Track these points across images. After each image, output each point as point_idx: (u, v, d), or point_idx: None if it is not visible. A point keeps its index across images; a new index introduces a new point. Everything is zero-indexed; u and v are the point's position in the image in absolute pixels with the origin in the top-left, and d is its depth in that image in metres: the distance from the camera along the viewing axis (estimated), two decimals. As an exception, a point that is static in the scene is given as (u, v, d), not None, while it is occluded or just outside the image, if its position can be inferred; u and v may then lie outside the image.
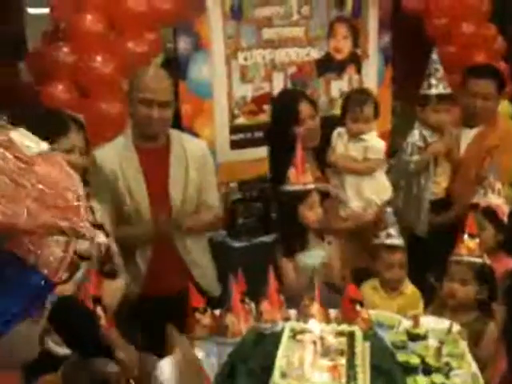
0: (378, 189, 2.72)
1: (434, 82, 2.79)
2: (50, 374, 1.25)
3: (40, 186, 0.69)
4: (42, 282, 0.75)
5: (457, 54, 3.78)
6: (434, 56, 2.83)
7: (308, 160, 2.46)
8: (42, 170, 0.71)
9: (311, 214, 2.31)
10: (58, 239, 0.74)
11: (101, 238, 1.81)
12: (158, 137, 2.33)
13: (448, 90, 2.81)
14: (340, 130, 2.75)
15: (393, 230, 2.36)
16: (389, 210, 2.43)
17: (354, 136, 2.68)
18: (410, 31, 3.92)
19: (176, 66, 3.25)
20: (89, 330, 1.30)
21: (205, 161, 2.46)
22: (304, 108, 2.62)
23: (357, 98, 2.70)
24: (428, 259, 2.46)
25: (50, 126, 1.87)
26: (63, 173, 0.77)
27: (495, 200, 2.49)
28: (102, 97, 2.76)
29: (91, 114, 2.70)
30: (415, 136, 2.86)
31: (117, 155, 2.28)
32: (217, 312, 1.95)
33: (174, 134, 2.43)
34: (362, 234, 2.70)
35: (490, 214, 2.45)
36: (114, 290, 1.90)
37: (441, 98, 2.80)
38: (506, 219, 2.47)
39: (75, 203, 0.73)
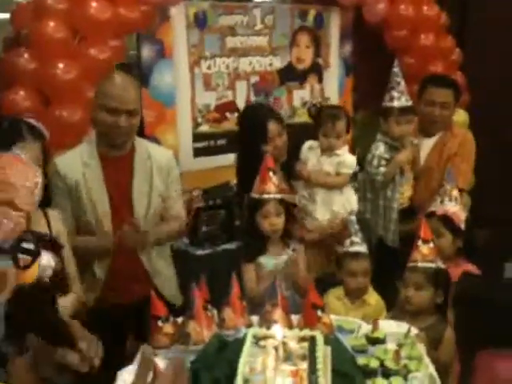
0: (345, 202, 2.77)
1: (396, 94, 2.85)
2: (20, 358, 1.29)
3: None
4: None
5: (416, 65, 3.88)
6: (396, 69, 2.90)
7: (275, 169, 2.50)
8: None
9: (266, 223, 2.35)
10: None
11: (44, 260, 1.79)
12: (123, 145, 2.31)
13: (410, 103, 2.88)
14: (311, 143, 2.79)
15: (356, 238, 2.40)
16: (352, 218, 2.47)
17: (327, 151, 2.73)
18: (371, 42, 4.00)
19: (139, 74, 3.24)
20: (50, 319, 1.33)
21: (170, 170, 2.43)
22: (272, 127, 2.67)
23: (329, 113, 2.75)
24: (398, 267, 2.51)
25: (4, 134, 1.85)
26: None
27: (452, 207, 2.56)
28: (64, 104, 2.73)
29: (53, 121, 2.68)
30: (380, 148, 2.91)
31: (79, 163, 2.25)
32: (179, 320, 1.95)
33: (139, 142, 2.40)
34: (327, 243, 2.75)
35: (447, 221, 2.51)
36: (62, 308, 1.86)
37: (403, 110, 2.86)
38: (462, 226, 2.54)
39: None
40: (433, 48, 3.94)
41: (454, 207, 2.57)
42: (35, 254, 1.38)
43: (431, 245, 2.22)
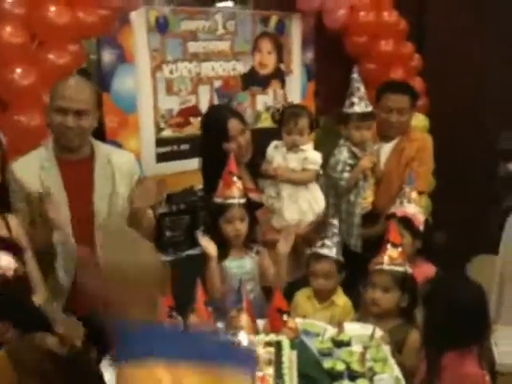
0: (312, 200, 2.79)
1: (355, 100, 2.89)
2: None
3: None
4: None
5: (376, 71, 3.94)
6: (355, 75, 2.93)
7: (241, 173, 2.50)
8: None
9: (229, 228, 2.35)
10: None
11: (4, 261, 1.78)
12: (77, 148, 2.27)
13: (369, 108, 2.92)
14: (276, 142, 2.81)
15: (329, 241, 2.42)
16: (335, 221, 2.50)
17: (292, 148, 2.74)
18: (332, 48, 4.04)
19: (100, 78, 3.19)
20: (25, 307, 1.43)
21: (132, 172, 2.41)
22: (233, 124, 2.67)
23: (291, 112, 2.79)
24: (360, 271, 2.53)
25: None
26: None
27: (411, 209, 2.60)
28: (23, 109, 2.67)
29: (11, 127, 2.62)
30: (344, 153, 2.94)
31: (37, 167, 2.20)
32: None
33: (99, 145, 2.37)
34: (297, 246, 2.76)
35: (407, 222, 2.55)
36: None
37: (362, 115, 2.90)
38: (421, 227, 2.58)
39: None
40: (393, 54, 4.00)
41: (414, 209, 2.62)
42: None
43: (399, 249, 2.26)
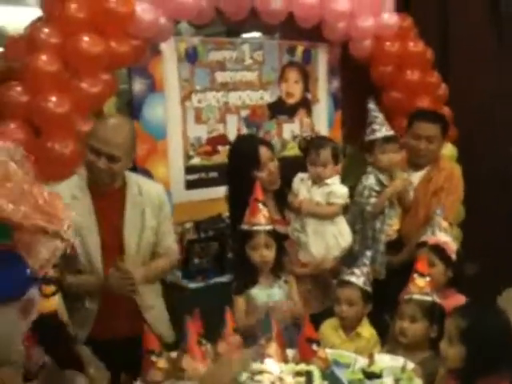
0: (338, 234, 2.77)
1: (376, 127, 2.91)
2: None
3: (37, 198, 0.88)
4: (28, 275, 0.88)
5: (402, 100, 3.94)
6: (371, 105, 2.96)
7: (268, 203, 2.50)
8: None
9: (256, 254, 2.34)
10: (47, 244, 0.86)
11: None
12: (107, 185, 2.29)
13: (391, 132, 2.93)
14: (302, 175, 2.81)
15: (358, 270, 2.40)
16: (368, 253, 2.49)
17: (317, 181, 2.74)
18: (358, 77, 4.07)
19: (130, 107, 3.26)
20: (63, 344, 1.42)
21: (162, 205, 2.42)
22: (263, 152, 2.68)
23: (314, 143, 2.81)
24: (384, 299, 2.49)
25: None
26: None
27: (443, 237, 2.57)
28: (55, 136, 2.72)
29: (43, 154, 2.67)
30: (371, 179, 2.93)
31: (68, 195, 2.20)
32: (173, 354, 1.91)
33: (130, 177, 2.39)
34: (324, 277, 2.74)
35: (439, 250, 2.51)
36: None
37: (386, 139, 2.90)
38: (454, 256, 2.54)
39: (60, 214, 0.89)
40: (419, 83, 4.00)
41: (445, 237, 2.58)
42: (55, 284, 1.46)
43: (427, 278, 2.22)
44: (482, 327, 1.82)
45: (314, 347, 2.00)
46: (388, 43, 3.92)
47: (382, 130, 2.90)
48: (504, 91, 4.20)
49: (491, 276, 3.65)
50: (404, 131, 3.19)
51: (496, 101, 4.23)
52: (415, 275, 2.24)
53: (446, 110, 4.04)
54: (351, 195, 2.91)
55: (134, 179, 2.40)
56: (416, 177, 3.13)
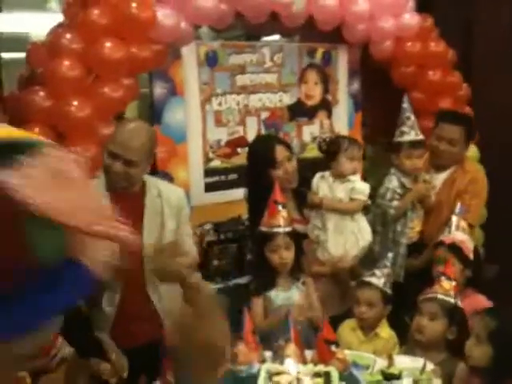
0: (358, 232, 2.77)
1: (405, 129, 2.89)
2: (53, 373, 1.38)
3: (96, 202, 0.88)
4: (89, 279, 0.84)
5: (423, 100, 3.91)
6: (405, 104, 2.94)
7: (287, 202, 2.52)
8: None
9: (275, 256, 2.35)
10: (104, 246, 0.88)
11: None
12: (125, 188, 2.30)
13: (420, 137, 2.91)
14: (322, 173, 2.83)
15: (379, 272, 2.41)
16: (389, 254, 2.51)
17: (342, 177, 2.75)
18: (379, 78, 4.05)
19: (151, 111, 3.30)
20: (84, 333, 1.51)
21: (181, 208, 2.43)
22: (280, 151, 2.69)
23: (349, 139, 2.85)
24: (404, 301, 2.49)
25: None
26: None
27: (459, 236, 2.55)
28: (78, 140, 2.77)
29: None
30: (394, 182, 2.93)
31: None
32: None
33: (150, 179, 2.41)
34: (343, 278, 2.74)
35: (456, 249, 2.50)
36: None
37: (413, 144, 2.89)
38: (471, 255, 2.52)
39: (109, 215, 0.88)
40: (440, 84, 3.98)
41: (462, 236, 2.56)
42: None
43: (453, 283, 2.22)
44: (510, 329, 1.82)
45: (333, 348, 2.00)
46: (409, 44, 3.90)
47: (411, 133, 2.89)
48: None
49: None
50: (426, 132, 3.16)
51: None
52: (442, 277, 2.24)
53: (467, 110, 4.00)
54: (372, 196, 2.91)
55: (154, 183, 2.42)
56: (439, 179, 3.11)
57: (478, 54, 4.35)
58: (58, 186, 0.81)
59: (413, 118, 2.91)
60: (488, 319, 1.86)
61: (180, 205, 2.44)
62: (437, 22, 4.00)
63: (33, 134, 0.88)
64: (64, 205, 0.78)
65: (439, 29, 4.01)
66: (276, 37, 4.10)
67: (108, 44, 2.85)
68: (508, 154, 4.11)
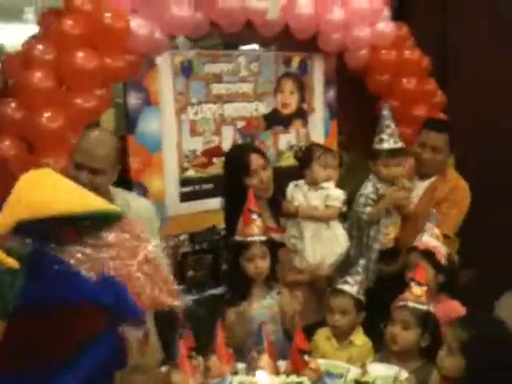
0: (334, 240, 2.79)
1: (385, 137, 2.90)
2: None
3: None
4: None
5: (399, 108, 3.94)
6: (385, 112, 2.95)
7: (263, 211, 2.52)
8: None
9: (251, 266, 2.34)
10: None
11: None
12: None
13: (399, 145, 2.91)
14: (296, 182, 2.83)
15: (351, 279, 2.40)
16: (362, 261, 2.50)
17: (316, 184, 2.76)
18: (354, 86, 4.08)
19: (125, 121, 3.28)
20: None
21: (150, 221, 2.41)
22: (255, 159, 2.70)
23: (322, 147, 2.87)
24: (378, 308, 2.49)
25: None
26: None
27: (432, 242, 2.56)
28: (50, 151, 2.74)
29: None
30: (369, 188, 2.94)
31: None
32: (163, 369, 1.91)
33: (118, 192, 2.39)
34: (319, 287, 2.74)
35: (429, 255, 2.51)
36: None
37: (391, 152, 2.90)
38: (443, 261, 2.54)
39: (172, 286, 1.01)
40: (416, 91, 4.01)
41: (435, 242, 2.57)
42: None
43: (425, 288, 2.22)
44: (482, 340, 1.81)
45: (306, 358, 2.00)
46: (384, 52, 3.93)
47: (389, 141, 2.90)
48: (503, 96, 4.20)
49: (489, 282, 3.63)
50: (403, 139, 3.17)
51: (496, 107, 4.23)
52: (413, 283, 2.24)
53: (442, 117, 4.04)
54: (349, 202, 2.92)
55: (122, 195, 2.40)
56: (421, 186, 3.11)
57: (453, 61, 4.40)
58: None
59: (393, 125, 2.92)
60: (460, 331, 1.86)
61: (149, 217, 2.42)
62: (413, 31, 4.04)
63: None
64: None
65: (415, 37, 4.05)
66: (255, 46, 4.11)
67: (81, 54, 2.82)
68: (483, 161, 4.15)
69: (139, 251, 0.88)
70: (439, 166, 3.10)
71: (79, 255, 0.89)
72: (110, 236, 0.85)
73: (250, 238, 2.35)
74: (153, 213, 2.48)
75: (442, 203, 3.01)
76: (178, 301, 0.86)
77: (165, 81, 3.39)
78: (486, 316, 2.10)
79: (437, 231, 2.60)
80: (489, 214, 4.02)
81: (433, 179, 3.10)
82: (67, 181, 1.27)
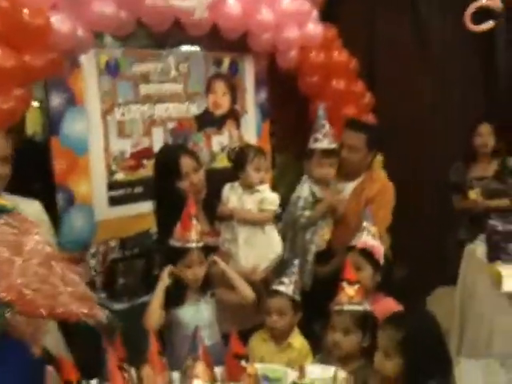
0: (269, 245, 2.75)
1: (319, 136, 2.90)
2: None
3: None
4: None
5: (329, 109, 3.95)
6: (321, 112, 2.95)
7: (197, 214, 2.44)
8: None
9: (188, 272, 2.28)
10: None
11: None
12: None
13: (332, 145, 2.91)
14: (232, 184, 2.79)
15: (287, 279, 2.36)
16: (295, 261, 2.44)
17: (250, 187, 2.71)
18: (286, 87, 4.08)
19: (48, 122, 3.12)
20: None
21: (40, 222, 2.26)
22: (185, 161, 2.62)
23: (255, 150, 2.79)
24: (313, 310, 2.47)
25: None
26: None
27: (370, 241, 2.57)
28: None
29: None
30: (306, 191, 2.92)
31: None
32: (93, 383, 1.81)
33: (5, 197, 2.24)
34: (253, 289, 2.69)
35: (367, 254, 2.50)
36: None
37: (325, 152, 2.89)
38: (381, 259, 2.55)
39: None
40: (345, 92, 4.06)
41: (373, 241, 2.58)
42: None
43: (356, 286, 2.20)
44: (417, 337, 1.81)
45: (243, 363, 1.94)
46: (313, 53, 3.95)
47: (323, 141, 2.89)
48: (430, 98, 4.34)
49: (420, 278, 3.71)
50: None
51: (424, 108, 4.36)
52: (344, 283, 2.21)
53: (371, 118, 4.11)
54: (283, 204, 2.90)
55: (10, 199, 2.27)
56: (348, 188, 3.13)
57: (381, 62, 4.49)
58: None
59: (327, 126, 2.92)
60: (392, 332, 1.86)
61: (39, 218, 2.30)
62: (341, 32, 4.09)
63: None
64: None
65: (343, 38, 4.10)
66: (185, 46, 4.03)
67: (-3, 52, 2.66)
68: (409, 160, 4.26)
69: (25, 247, 0.82)
70: (357, 166, 3.11)
71: None
72: None
73: (188, 244, 2.27)
74: (42, 213, 2.38)
75: (370, 204, 3.03)
76: (94, 310, 0.80)
77: (89, 80, 3.26)
78: (418, 312, 2.11)
79: (374, 230, 2.61)
80: (416, 211, 4.13)
81: (359, 180, 3.12)
82: None
